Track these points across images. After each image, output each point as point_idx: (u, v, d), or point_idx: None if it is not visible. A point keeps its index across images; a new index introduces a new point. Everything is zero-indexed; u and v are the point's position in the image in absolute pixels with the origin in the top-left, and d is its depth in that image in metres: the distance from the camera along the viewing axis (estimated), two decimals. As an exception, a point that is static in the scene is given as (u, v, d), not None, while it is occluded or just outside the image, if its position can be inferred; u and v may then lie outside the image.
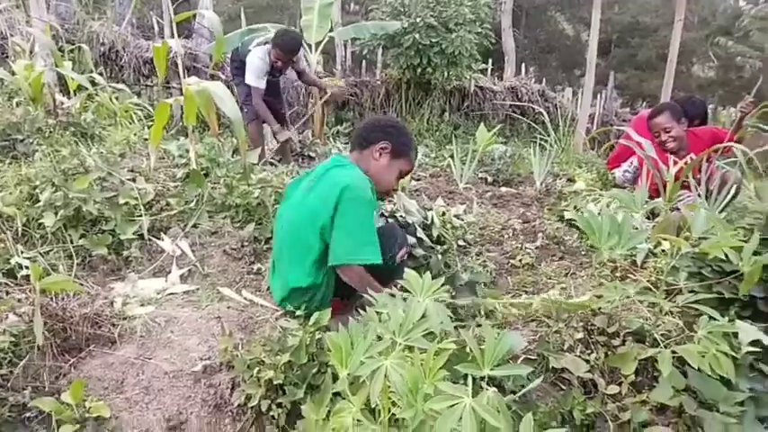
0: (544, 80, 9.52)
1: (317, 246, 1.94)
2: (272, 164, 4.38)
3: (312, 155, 5.48)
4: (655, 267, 2.18)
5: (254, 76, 4.43)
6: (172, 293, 2.23)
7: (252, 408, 1.62)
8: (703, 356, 1.52)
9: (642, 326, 1.77)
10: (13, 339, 1.70)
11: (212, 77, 6.31)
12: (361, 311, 1.75)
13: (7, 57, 5.48)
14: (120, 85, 4.27)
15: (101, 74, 4.58)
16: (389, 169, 2.11)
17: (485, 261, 2.62)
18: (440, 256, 2.51)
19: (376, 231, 1.95)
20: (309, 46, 6.21)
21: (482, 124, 4.80)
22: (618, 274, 2.28)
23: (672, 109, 3.49)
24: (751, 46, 15.18)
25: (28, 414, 1.59)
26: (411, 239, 2.39)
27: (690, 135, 3.52)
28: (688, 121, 3.55)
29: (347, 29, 6.99)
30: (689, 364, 1.60)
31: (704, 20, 18.94)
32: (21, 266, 2.11)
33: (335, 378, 1.60)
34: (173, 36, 3.98)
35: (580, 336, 1.77)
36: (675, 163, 2.87)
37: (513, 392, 1.59)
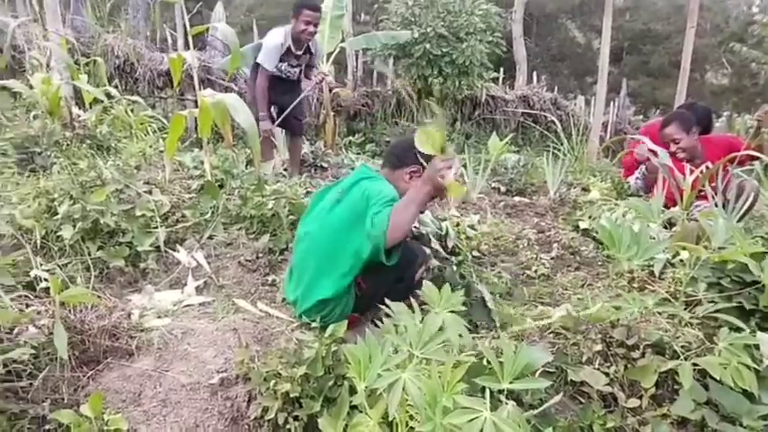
0: (556, 88, 9.50)
1: (346, 257, 1.95)
2: (284, 175, 4.39)
3: (324, 165, 5.49)
4: (673, 278, 2.15)
5: (264, 56, 4.20)
6: (188, 305, 2.24)
7: (269, 421, 1.62)
8: (725, 368, 1.50)
9: (662, 338, 1.74)
10: (32, 351, 1.72)
11: (226, 89, 6.37)
12: (378, 324, 1.75)
13: (24, 70, 5.58)
14: (135, 98, 4.32)
15: (116, 86, 4.64)
16: None
17: (500, 272, 2.60)
18: (455, 268, 2.50)
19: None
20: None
21: (494, 133, 4.79)
22: (635, 285, 2.25)
23: (680, 119, 3.46)
24: (765, 52, 15.04)
25: (47, 426, 1.60)
26: (427, 251, 2.38)
27: (704, 142, 3.49)
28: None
29: (358, 39, 7.02)
30: (710, 377, 1.58)
31: (717, 26, 18.83)
32: (40, 279, 2.13)
33: (352, 391, 1.60)
34: (187, 48, 4.02)
35: (599, 348, 1.75)
36: (692, 171, 2.84)
37: (532, 406, 1.58)
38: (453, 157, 1.76)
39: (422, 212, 2.29)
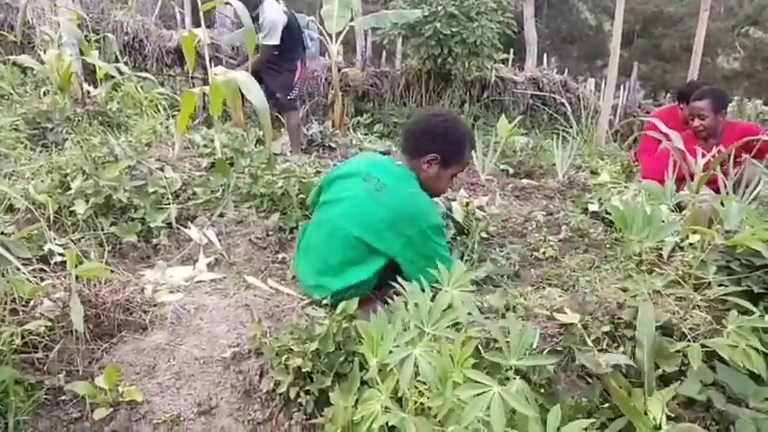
0: (566, 71, 9.41)
1: (380, 251, 1.99)
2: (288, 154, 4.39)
3: (333, 145, 5.49)
4: (682, 261, 2.16)
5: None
6: (200, 281, 2.27)
7: (280, 394, 1.65)
8: (733, 350, 1.51)
9: (670, 319, 1.75)
10: (48, 324, 1.75)
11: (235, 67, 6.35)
12: (389, 301, 1.77)
13: (34, 46, 5.57)
14: (146, 75, 4.32)
15: (125, 63, 4.64)
16: (441, 178, 2.11)
17: (508, 253, 2.61)
18: (461, 247, 2.53)
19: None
20: (330, 36, 6.20)
21: (503, 115, 4.76)
22: (644, 268, 2.26)
23: (714, 97, 3.41)
24: (780, 36, 14.81)
25: (63, 397, 1.63)
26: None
27: (726, 126, 3.46)
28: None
29: (367, 18, 6.95)
30: (717, 359, 1.59)
31: (731, 9, 18.53)
32: (53, 253, 2.15)
33: (362, 367, 1.63)
34: (197, 26, 4.00)
35: (606, 329, 1.76)
36: (704, 155, 2.83)
37: (540, 386, 1.60)
38: None
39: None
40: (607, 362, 1.59)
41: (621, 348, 1.73)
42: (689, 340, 1.62)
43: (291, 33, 4.50)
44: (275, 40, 4.32)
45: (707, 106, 3.37)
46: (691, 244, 2.23)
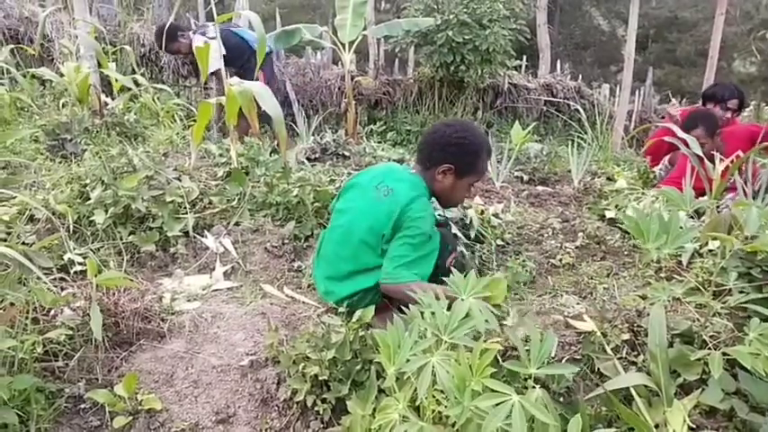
0: (580, 77, 9.36)
1: (379, 254, 2.01)
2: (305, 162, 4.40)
3: (346, 153, 5.50)
4: (701, 268, 2.13)
5: None
6: (216, 290, 2.28)
7: (298, 403, 1.65)
8: (755, 358, 1.48)
9: (690, 327, 1.73)
10: (69, 333, 1.77)
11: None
12: (405, 309, 1.77)
13: (52, 59, 5.68)
14: (162, 86, 4.37)
15: (142, 75, 4.70)
16: (456, 189, 2.10)
17: (524, 260, 2.60)
18: (473, 254, 2.54)
19: (427, 257, 1.98)
20: (343, 45, 6.23)
21: (517, 122, 4.74)
22: (663, 275, 2.23)
23: (707, 123, 3.37)
24: (797, 39, 14.61)
25: (83, 405, 1.65)
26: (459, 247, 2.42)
27: (727, 135, 3.43)
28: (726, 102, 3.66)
29: (380, 27, 6.97)
30: (740, 367, 1.57)
31: (747, 13, 18.34)
32: (73, 262, 2.18)
33: (379, 375, 1.62)
34: (213, 37, 4.02)
35: (626, 337, 1.74)
36: (722, 161, 2.80)
37: (560, 395, 1.58)
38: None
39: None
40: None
41: (641, 357, 1.71)
42: (710, 348, 1.60)
43: (229, 50, 4.46)
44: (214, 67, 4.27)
45: (702, 134, 3.32)
46: (710, 250, 2.21)
